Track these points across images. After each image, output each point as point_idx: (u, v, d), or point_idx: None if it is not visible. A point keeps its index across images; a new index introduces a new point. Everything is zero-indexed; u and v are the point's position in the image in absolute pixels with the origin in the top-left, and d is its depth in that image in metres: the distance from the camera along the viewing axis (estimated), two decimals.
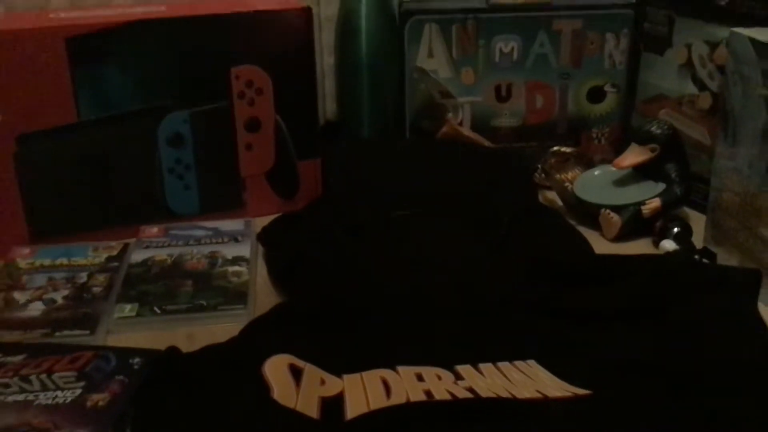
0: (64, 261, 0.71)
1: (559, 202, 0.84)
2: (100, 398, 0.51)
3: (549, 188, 0.86)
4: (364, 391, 0.51)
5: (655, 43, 0.87)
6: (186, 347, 0.55)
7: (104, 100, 0.75)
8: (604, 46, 0.90)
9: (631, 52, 0.90)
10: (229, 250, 0.73)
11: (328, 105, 1.02)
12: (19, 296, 0.66)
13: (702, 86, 0.82)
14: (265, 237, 0.75)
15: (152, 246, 0.74)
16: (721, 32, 0.78)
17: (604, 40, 0.90)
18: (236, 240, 0.76)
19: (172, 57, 0.76)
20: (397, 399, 0.49)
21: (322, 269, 0.67)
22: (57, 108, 0.73)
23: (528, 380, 0.52)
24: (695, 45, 0.82)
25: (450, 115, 0.89)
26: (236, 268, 0.70)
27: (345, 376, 0.52)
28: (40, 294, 0.66)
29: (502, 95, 0.91)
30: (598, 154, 0.92)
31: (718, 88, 0.80)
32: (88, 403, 0.51)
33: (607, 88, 0.92)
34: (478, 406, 0.49)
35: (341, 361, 0.54)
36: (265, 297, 0.68)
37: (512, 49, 0.89)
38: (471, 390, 0.50)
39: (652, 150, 0.78)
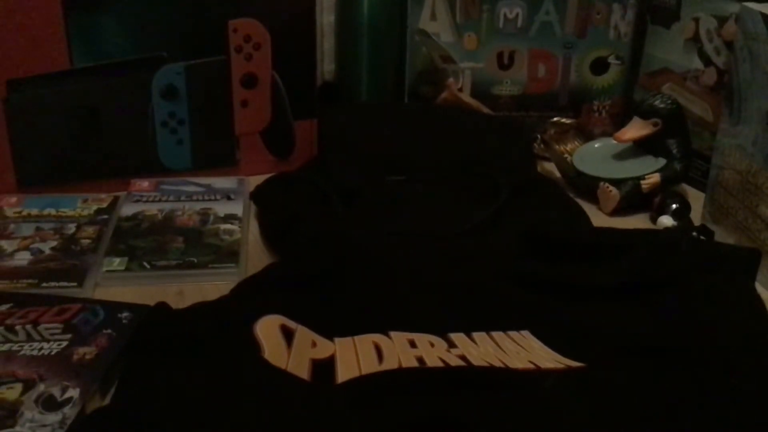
0: (53, 211, 0.70)
1: (558, 174, 0.83)
2: (86, 351, 0.50)
3: (548, 159, 0.85)
4: (355, 355, 0.50)
5: (663, 16, 0.86)
6: (176, 304, 0.54)
7: (98, 48, 0.73)
8: (611, 16, 0.88)
9: (638, 23, 0.89)
10: (222, 208, 0.72)
11: (326, 65, 1.00)
12: (5, 245, 0.65)
13: (708, 61, 0.81)
14: (258, 196, 0.74)
15: (143, 200, 0.73)
16: (731, 6, 0.77)
17: (611, 10, 0.88)
18: (229, 198, 0.74)
19: (170, 6, 0.73)
20: (388, 364, 0.49)
21: (316, 232, 0.66)
22: (49, 54, 0.71)
23: (521, 350, 0.52)
24: (703, 19, 0.81)
25: (450, 80, 0.88)
26: (228, 226, 0.69)
27: (337, 340, 0.52)
28: (27, 243, 0.65)
29: (504, 62, 0.89)
30: (599, 126, 0.91)
31: (724, 64, 0.79)
32: (75, 356, 0.50)
33: (611, 59, 0.90)
34: (470, 374, 0.48)
35: (333, 324, 0.53)
36: (256, 257, 0.67)
37: (517, 15, 0.87)
38: (463, 358, 0.50)
39: (654, 124, 0.77)
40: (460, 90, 0.89)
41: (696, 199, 0.77)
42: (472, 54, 0.89)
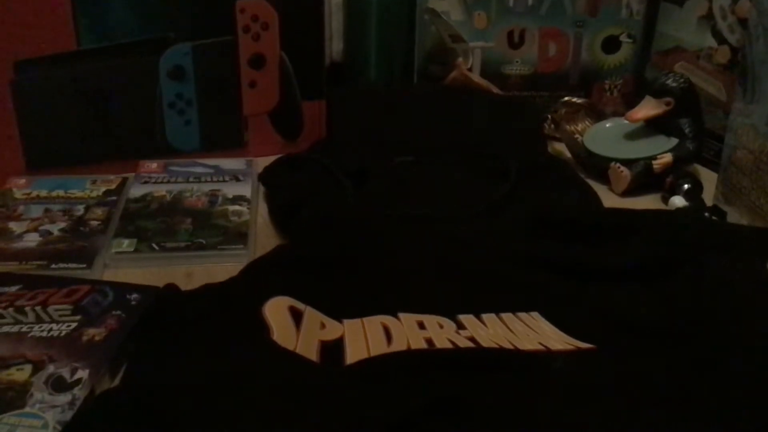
0: (61, 193, 0.70)
1: (568, 154, 0.82)
2: (96, 333, 0.50)
3: (558, 139, 0.84)
4: (364, 337, 0.50)
5: None
6: (184, 285, 0.54)
7: (105, 29, 0.73)
8: None
9: (650, 1, 0.88)
10: (230, 189, 0.72)
11: (334, 45, 1.00)
12: (14, 226, 0.65)
13: (721, 39, 0.80)
14: (267, 177, 0.74)
15: (151, 181, 0.73)
16: None
17: None
18: (237, 179, 0.74)
19: None
20: (397, 346, 0.49)
21: (325, 213, 0.66)
22: (56, 34, 0.71)
23: (531, 332, 0.51)
24: None
25: (460, 60, 0.87)
26: (237, 207, 0.69)
27: (345, 321, 0.52)
28: (36, 225, 0.65)
29: (515, 41, 0.88)
30: (610, 106, 0.90)
31: (737, 42, 0.78)
32: (84, 338, 0.50)
33: (623, 38, 0.89)
34: (479, 355, 0.48)
35: (342, 305, 0.53)
36: (265, 238, 0.66)
37: None
38: (473, 340, 0.50)
39: (667, 103, 0.76)
40: (470, 69, 0.88)
41: (708, 179, 0.76)
42: (482, 33, 0.88)
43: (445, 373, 0.46)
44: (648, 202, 0.75)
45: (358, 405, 0.43)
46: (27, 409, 0.44)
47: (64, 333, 0.50)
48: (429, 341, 0.49)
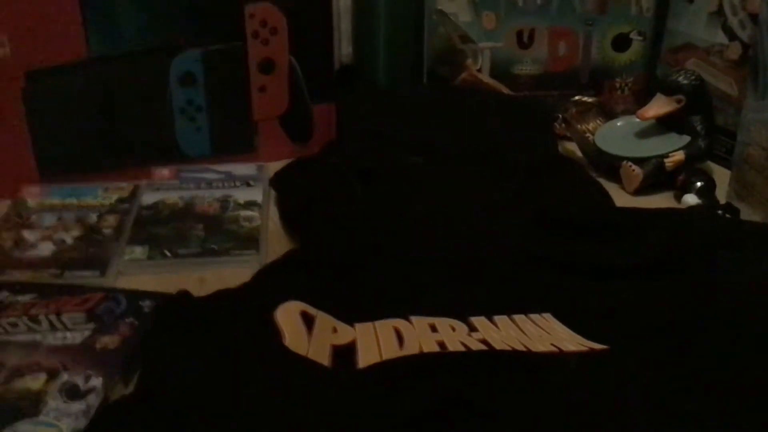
0: (74, 201, 0.71)
1: (579, 154, 0.82)
2: (109, 340, 0.51)
3: (569, 139, 0.84)
4: (376, 341, 0.50)
5: None
6: (197, 291, 0.54)
7: (115, 36, 0.73)
8: None
9: None
10: (242, 195, 0.72)
11: (343, 49, 1.00)
12: (28, 235, 0.65)
13: (732, 36, 0.79)
14: (277, 182, 0.74)
15: (163, 188, 0.73)
16: None
17: None
18: (248, 184, 0.74)
19: None
20: (409, 349, 0.48)
21: (336, 216, 0.66)
22: (67, 42, 0.71)
23: (543, 333, 0.51)
24: None
25: (469, 60, 0.87)
26: (248, 212, 0.69)
27: (357, 325, 0.52)
28: (50, 234, 0.65)
29: (524, 41, 0.88)
30: (621, 104, 0.90)
31: (748, 38, 0.77)
32: (98, 345, 0.50)
33: (633, 35, 0.89)
34: (491, 358, 0.48)
35: (354, 309, 0.53)
36: (277, 243, 0.67)
37: None
38: (485, 342, 0.49)
39: (678, 101, 0.76)
40: (480, 70, 0.88)
41: (721, 176, 0.75)
42: (491, 33, 0.88)
43: (458, 376, 0.46)
44: (660, 200, 0.74)
45: (369, 409, 0.43)
46: (41, 418, 0.44)
47: (78, 341, 0.51)
48: (441, 344, 0.49)
